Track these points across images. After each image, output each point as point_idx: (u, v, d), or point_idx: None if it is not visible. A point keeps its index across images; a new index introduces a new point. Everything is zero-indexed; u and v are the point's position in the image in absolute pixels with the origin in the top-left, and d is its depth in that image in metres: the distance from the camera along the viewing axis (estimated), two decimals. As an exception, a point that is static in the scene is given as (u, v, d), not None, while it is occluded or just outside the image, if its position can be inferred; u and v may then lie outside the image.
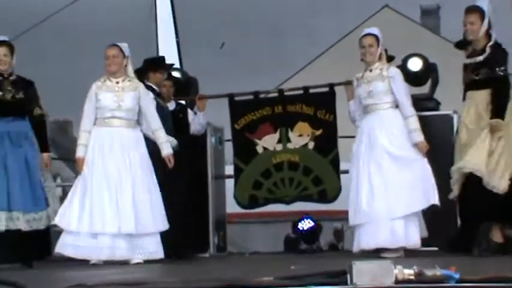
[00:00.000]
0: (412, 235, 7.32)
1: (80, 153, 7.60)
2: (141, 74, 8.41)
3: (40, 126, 7.82)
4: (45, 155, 7.80)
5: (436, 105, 9.01)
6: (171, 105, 9.01)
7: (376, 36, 7.64)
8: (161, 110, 8.23)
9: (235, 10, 10.83)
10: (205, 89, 9.56)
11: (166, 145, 7.65)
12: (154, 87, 8.47)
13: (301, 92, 9.86)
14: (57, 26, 9.49)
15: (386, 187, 7.35)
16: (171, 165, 7.56)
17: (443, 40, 15.07)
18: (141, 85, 7.84)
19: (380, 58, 7.63)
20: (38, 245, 7.72)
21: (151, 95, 7.98)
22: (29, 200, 7.57)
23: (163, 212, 7.56)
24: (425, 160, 7.43)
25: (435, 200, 7.31)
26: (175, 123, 8.69)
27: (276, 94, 10.05)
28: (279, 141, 9.70)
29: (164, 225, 7.51)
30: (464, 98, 7.52)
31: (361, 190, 7.39)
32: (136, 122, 7.72)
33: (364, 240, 7.32)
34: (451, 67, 8.11)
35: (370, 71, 7.56)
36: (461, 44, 7.75)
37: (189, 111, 9.20)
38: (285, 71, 9.75)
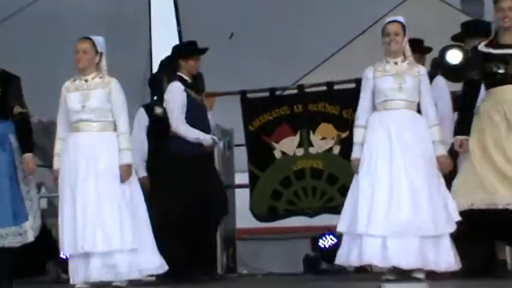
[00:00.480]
0: (445, 256, 6.81)
1: (55, 165, 7.21)
2: (171, 63, 8.17)
3: (21, 126, 7.49)
4: (27, 155, 7.41)
5: (478, 106, 9.02)
6: None
7: (402, 25, 7.13)
8: (194, 104, 7.92)
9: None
10: (212, 85, 8.95)
11: (126, 154, 7.05)
12: (186, 77, 8.07)
13: (324, 88, 9.49)
14: (37, 16, 9.23)
15: (420, 198, 6.77)
16: (125, 177, 7.01)
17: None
18: (114, 80, 7.27)
19: (404, 52, 7.13)
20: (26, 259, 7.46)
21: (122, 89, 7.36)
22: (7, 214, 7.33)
23: (134, 228, 7.00)
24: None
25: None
26: None
27: (295, 91, 9.66)
28: (300, 145, 9.43)
29: (132, 244, 6.93)
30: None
31: (381, 194, 6.81)
32: (114, 124, 7.14)
33: (393, 256, 6.69)
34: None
35: (396, 63, 7.05)
36: (458, 37, 7.69)
37: None
38: (305, 64, 9.52)
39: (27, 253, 7.36)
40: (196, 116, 7.82)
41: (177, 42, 11.25)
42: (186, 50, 8.35)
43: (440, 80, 7.92)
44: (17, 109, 7.42)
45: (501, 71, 6.82)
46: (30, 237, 7.31)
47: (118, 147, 7.01)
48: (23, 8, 9.57)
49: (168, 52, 8.51)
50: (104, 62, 7.26)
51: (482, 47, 6.95)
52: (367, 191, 6.82)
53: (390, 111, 6.96)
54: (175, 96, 7.93)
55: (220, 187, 8.22)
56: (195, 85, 8.17)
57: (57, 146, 7.22)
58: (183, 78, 8.05)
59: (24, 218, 7.33)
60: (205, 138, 7.89)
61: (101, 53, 7.21)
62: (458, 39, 8.04)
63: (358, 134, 6.93)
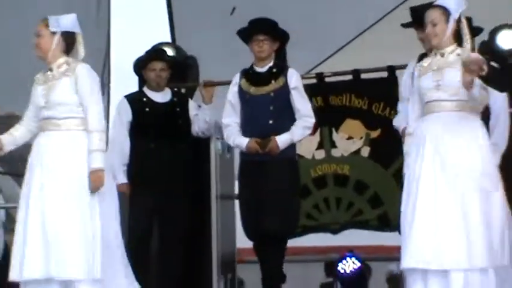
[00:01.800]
0: None
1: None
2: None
3: None
4: None
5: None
6: (165, 96, 8.11)
7: (444, 9, 6.32)
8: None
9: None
10: (209, 73, 8.58)
11: (96, 156, 6.31)
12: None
13: (349, 77, 8.87)
14: None
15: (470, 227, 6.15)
16: (94, 186, 6.28)
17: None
18: (80, 65, 6.56)
19: (456, 38, 6.32)
20: None
21: (94, 75, 6.80)
22: None
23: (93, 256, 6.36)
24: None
25: None
26: (170, 119, 7.95)
27: (313, 81, 8.95)
28: (320, 147, 8.97)
29: (90, 274, 6.29)
30: None
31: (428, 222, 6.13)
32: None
33: None
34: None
35: (442, 55, 6.29)
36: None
37: (191, 103, 8.23)
38: (323, 47, 9.01)
39: None
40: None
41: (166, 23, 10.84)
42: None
43: None
44: None
45: None
46: None
47: (88, 148, 6.37)
48: None
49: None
50: (78, 46, 6.49)
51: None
52: None
53: (432, 116, 6.39)
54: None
55: None
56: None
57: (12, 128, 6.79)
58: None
59: None
60: None
61: (57, 33, 6.45)
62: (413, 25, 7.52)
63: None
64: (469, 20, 7.28)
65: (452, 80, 6.27)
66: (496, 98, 6.87)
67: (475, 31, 7.59)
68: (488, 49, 8.40)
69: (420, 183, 6.32)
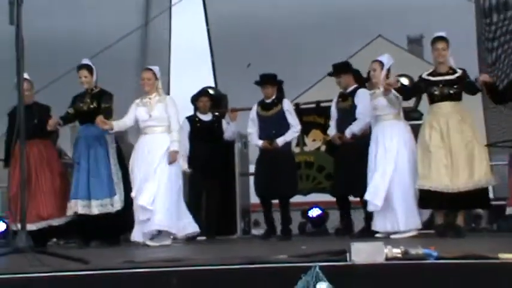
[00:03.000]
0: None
1: (114, 125, 7.68)
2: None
3: (105, 114, 7.73)
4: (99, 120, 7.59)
5: (420, 116, 8.83)
6: (208, 117, 8.88)
7: (380, 62, 7.44)
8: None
9: (260, 35, 10.78)
10: (235, 102, 9.29)
11: (174, 144, 7.52)
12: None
13: (314, 105, 9.74)
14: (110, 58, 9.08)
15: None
16: (172, 160, 7.35)
17: (426, 63, 14.85)
18: (168, 96, 7.78)
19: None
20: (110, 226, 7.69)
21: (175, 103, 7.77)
22: (98, 189, 7.62)
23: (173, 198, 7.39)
24: None
25: None
26: (211, 131, 8.65)
27: (293, 107, 9.39)
28: (297, 145, 9.53)
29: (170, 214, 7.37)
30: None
31: None
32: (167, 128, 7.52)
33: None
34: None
35: (378, 89, 7.41)
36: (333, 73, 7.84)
37: (223, 121, 9.02)
38: (300, 87, 9.89)
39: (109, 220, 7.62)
40: None
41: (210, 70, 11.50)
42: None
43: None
44: (104, 104, 7.77)
45: (437, 92, 7.05)
46: (118, 206, 7.61)
47: (170, 140, 7.28)
48: (102, 50, 9.61)
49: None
50: (159, 85, 7.54)
51: (425, 75, 7.16)
52: None
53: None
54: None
55: None
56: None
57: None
58: None
59: (114, 193, 7.65)
60: None
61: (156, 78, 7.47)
62: (333, 75, 8.07)
63: None
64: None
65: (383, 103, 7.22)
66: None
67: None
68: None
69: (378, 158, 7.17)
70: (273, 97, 8.08)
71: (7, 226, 9.09)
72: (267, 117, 8.07)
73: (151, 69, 7.53)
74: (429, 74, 7.18)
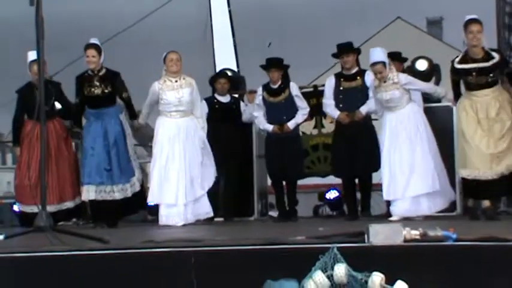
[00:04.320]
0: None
1: (140, 119, 7.94)
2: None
3: (128, 104, 7.86)
4: (134, 121, 7.87)
5: (439, 99, 8.62)
6: (226, 98, 8.85)
7: (383, 62, 7.37)
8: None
9: (279, 18, 10.77)
10: (254, 83, 9.09)
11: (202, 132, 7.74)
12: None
13: None
14: (127, 40, 9.15)
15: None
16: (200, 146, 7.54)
17: (446, 45, 14.88)
18: (193, 81, 7.83)
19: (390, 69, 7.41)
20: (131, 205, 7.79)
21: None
22: (118, 174, 7.64)
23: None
24: None
25: None
26: (230, 112, 8.62)
27: (311, 89, 9.70)
28: (315, 127, 9.57)
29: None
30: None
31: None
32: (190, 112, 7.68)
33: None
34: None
35: (385, 82, 7.46)
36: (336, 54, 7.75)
37: (241, 103, 9.02)
38: (320, 69, 9.48)
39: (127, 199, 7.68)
40: None
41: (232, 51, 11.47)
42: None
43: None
44: (125, 94, 7.77)
45: (472, 81, 6.87)
46: (137, 187, 7.71)
47: (199, 126, 7.56)
48: (118, 33, 9.79)
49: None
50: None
51: (457, 65, 6.90)
52: None
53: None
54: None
55: None
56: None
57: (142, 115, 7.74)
58: None
59: (133, 174, 7.71)
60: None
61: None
62: (336, 56, 8.09)
63: None
64: (399, 53, 8.48)
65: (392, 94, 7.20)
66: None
67: (403, 60, 8.67)
68: (411, 70, 8.84)
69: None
70: (279, 82, 8.11)
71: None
72: (276, 103, 8.13)
73: (176, 52, 7.61)
74: (462, 61, 6.89)
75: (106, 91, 7.61)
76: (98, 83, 7.62)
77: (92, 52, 7.66)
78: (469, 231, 4.30)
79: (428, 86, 7.75)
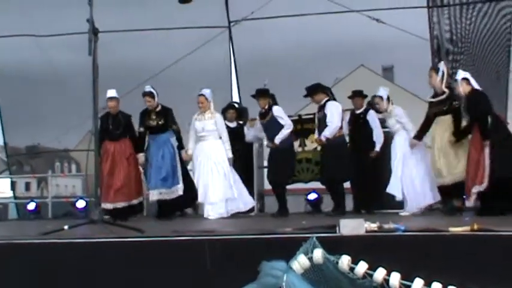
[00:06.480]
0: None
1: (189, 149, 7.80)
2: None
3: (177, 135, 7.89)
4: (182, 151, 7.80)
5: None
6: (233, 124, 8.63)
7: (379, 97, 7.28)
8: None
9: (272, 63, 10.56)
10: (255, 113, 8.57)
11: (229, 151, 7.64)
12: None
13: (312, 116, 9.03)
14: (159, 83, 8.49)
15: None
16: (230, 163, 7.48)
17: (397, 87, 14.70)
18: (218, 114, 7.73)
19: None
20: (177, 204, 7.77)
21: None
22: (170, 181, 7.67)
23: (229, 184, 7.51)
24: None
25: None
26: (236, 134, 8.30)
27: (297, 117, 9.51)
28: (300, 146, 9.39)
29: (227, 195, 7.50)
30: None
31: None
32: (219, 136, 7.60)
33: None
34: (399, 103, 7.63)
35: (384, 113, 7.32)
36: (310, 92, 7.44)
37: (244, 127, 8.78)
38: (304, 101, 8.91)
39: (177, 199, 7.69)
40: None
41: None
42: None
43: (372, 112, 7.95)
44: (173, 127, 7.81)
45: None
46: (180, 192, 7.69)
47: (225, 148, 7.46)
48: (150, 78, 9.34)
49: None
50: (211, 105, 7.57)
51: (428, 98, 6.73)
52: None
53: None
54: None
55: None
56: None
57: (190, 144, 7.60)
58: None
59: (178, 182, 7.71)
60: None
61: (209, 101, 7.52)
62: (310, 94, 7.69)
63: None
64: (361, 91, 8.12)
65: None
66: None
67: (364, 96, 8.08)
68: (370, 104, 8.14)
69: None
70: (266, 107, 7.80)
71: (86, 203, 9.26)
72: (264, 123, 7.87)
73: (203, 94, 7.53)
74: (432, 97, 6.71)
75: (160, 123, 7.71)
76: (154, 117, 7.73)
77: (147, 98, 7.74)
78: (416, 224, 4.28)
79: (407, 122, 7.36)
